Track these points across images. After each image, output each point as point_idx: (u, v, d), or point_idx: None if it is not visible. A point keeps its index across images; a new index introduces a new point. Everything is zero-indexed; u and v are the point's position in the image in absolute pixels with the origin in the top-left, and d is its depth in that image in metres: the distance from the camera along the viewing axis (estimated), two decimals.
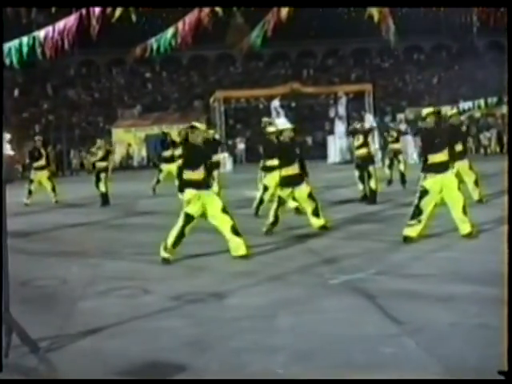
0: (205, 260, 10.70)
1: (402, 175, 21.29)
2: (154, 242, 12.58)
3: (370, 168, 17.51)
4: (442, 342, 6.03)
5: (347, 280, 8.74)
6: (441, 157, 11.25)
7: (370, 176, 17.42)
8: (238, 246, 10.68)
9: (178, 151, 16.97)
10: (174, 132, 27.81)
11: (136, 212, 18.47)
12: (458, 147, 15.20)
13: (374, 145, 23.34)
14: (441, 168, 11.21)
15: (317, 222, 12.98)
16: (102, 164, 21.29)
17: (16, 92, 59.89)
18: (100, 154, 21.42)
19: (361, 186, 17.77)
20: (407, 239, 11.22)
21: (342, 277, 8.90)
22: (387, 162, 22.24)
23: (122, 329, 6.99)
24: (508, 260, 4.90)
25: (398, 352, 5.84)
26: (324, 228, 12.96)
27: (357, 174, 17.84)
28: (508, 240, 5.12)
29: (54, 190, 22.30)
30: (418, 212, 11.19)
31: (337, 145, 41.31)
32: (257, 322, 7.00)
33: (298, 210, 14.91)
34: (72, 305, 8.16)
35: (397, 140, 22.54)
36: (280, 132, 13.86)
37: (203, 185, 10.67)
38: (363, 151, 17.59)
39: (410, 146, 35.83)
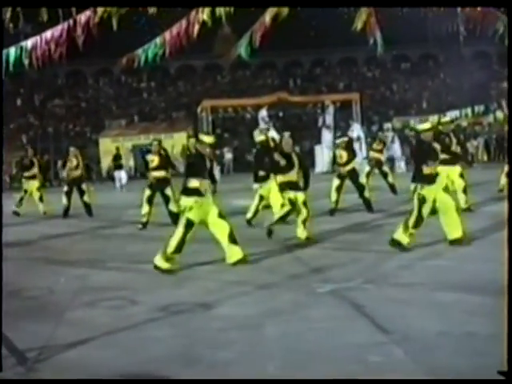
0: (192, 270, 10.68)
1: (392, 186, 20.97)
2: (142, 252, 12.60)
3: (360, 180, 17.55)
4: (431, 350, 6.04)
5: (335, 289, 8.74)
6: (435, 168, 11.52)
7: (362, 188, 17.39)
8: (234, 252, 10.78)
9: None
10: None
11: (124, 222, 18.41)
12: (450, 153, 15.21)
13: (362, 154, 23.07)
14: (434, 178, 11.46)
15: (303, 233, 13.01)
16: (76, 173, 20.71)
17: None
18: (74, 162, 20.77)
19: (334, 197, 17.31)
20: (396, 244, 11.34)
21: (329, 286, 8.90)
22: (367, 169, 21.18)
23: (110, 339, 6.97)
24: (508, 264, 4.90)
25: (386, 361, 5.85)
26: (307, 239, 12.97)
27: (336, 183, 17.41)
28: (508, 245, 5.12)
29: (41, 200, 22.22)
30: (420, 220, 11.30)
31: (324, 154, 41.18)
32: (245, 332, 6.99)
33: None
34: (60, 315, 8.13)
35: (381, 150, 21.70)
36: (271, 140, 14.01)
37: (205, 193, 10.79)
38: (348, 168, 17.40)
39: (397, 155, 35.91)
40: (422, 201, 11.29)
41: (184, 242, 10.60)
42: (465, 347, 6.08)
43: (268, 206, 15.30)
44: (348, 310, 7.74)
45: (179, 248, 10.58)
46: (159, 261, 10.60)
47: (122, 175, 35.76)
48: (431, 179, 11.41)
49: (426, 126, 12.08)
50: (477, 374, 5.29)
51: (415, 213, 11.35)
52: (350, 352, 6.13)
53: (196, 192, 10.68)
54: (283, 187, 13.20)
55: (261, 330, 7.03)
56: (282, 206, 15.27)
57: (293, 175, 13.15)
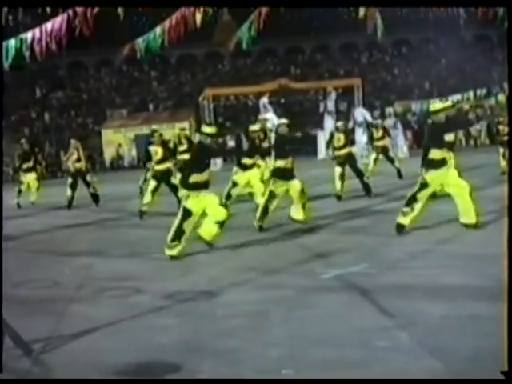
0: (196, 258, 10.70)
1: (399, 171, 21.13)
2: (145, 242, 12.61)
3: (358, 166, 17.62)
4: (435, 334, 6.04)
5: (340, 274, 8.75)
6: (443, 153, 11.34)
7: (361, 173, 17.42)
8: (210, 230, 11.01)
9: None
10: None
11: (128, 212, 18.38)
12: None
13: (364, 139, 23.10)
14: (441, 163, 11.33)
15: (298, 214, 13.15)
16: (79, 165, 20.69)
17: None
18: (75, 155, 20.82)
19: (339, 186, 17.30)
20: (400, 227, 11.39)
21: (334, 271, 8.91)
22: (374, 156, 21.58)
23: (115, 329, 6.99)
24: (508, 261, 4.88)
25: (391, 345, 5.85)
26: (302, 221, 13.12)
27: (338, 171, 17.39)
28: (508, 239, 5.10)
29: (38, 190, 22.88)
30: (413, 200, 11.32)
31: (327, 140, 41.01)
32: (249, 319, 7.00)
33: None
34: (65, 306, 8.15)
35: (383, 137, 21.91)
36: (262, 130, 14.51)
37: (206, 186, 10.99)
38: (344, 151, 17.54)
39: (400, 140, 35.80)
40: (424, 184, 11.29)
41: (182, 231, 10.76)
42: (469, 330, 6.09)
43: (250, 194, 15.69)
44: (353, 295, 7.75)
45: (176, 237, 10.75)
46: (166, 250, 10.79)
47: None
48: (438, 165, 11.28)
49: (439, 106, 11.90)
50: (481, 357, 5.30)
51: (412, 192, 11.41)
52: (356, 337, 6.13)
53: (195, 186, 10.84)
54: (275, 174, 13.17)
55: (265, 317, 7.04)
56: (263, 195, 15.38)
57: (288, 162, 13.12)
